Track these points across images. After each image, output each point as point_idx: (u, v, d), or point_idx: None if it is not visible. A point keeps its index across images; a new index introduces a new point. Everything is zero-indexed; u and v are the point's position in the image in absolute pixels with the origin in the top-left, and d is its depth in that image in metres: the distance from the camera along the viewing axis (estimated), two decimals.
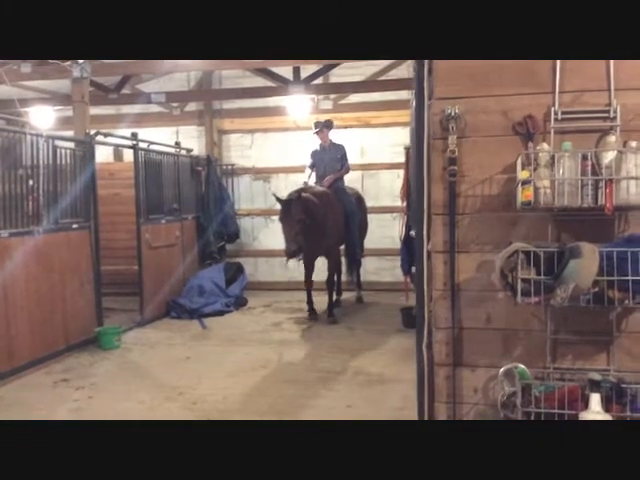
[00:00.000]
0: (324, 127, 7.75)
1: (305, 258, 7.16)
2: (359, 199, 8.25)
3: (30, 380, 5.19)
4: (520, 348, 2.31)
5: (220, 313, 7.82)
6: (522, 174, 2.11)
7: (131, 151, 7.49)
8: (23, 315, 5.38)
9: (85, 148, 6.40)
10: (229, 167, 9.95)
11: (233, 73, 9.61)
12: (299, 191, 6.89)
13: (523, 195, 2.09)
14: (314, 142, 9.10)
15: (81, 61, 6.35)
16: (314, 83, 8.62)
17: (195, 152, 9.54)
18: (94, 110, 9.59)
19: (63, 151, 6.10)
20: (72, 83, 6.71)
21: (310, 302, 7.41)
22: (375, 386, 4.86)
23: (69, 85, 8.08)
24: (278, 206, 6.99)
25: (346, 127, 9.32)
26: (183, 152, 8.97)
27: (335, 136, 9.15)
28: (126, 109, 10.22)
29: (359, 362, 5.52)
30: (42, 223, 5.70)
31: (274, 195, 7.10)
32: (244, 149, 10.18)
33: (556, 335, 2.27)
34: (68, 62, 6.40)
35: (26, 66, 6.55)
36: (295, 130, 9.67)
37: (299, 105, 8.62)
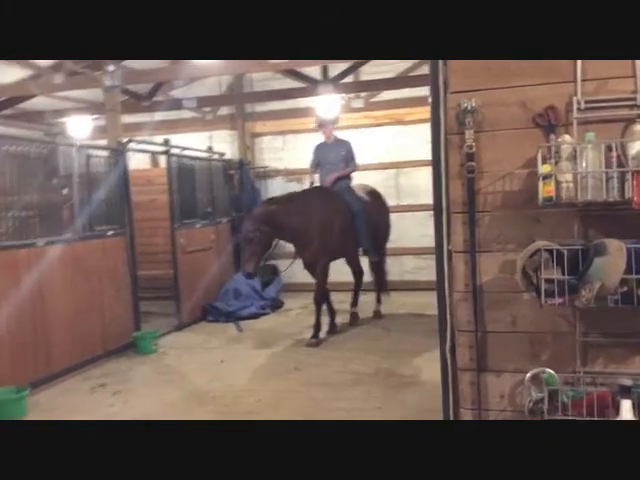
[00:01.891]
0: (329, 122, 7.28)
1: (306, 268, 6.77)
2: (375, 198, 7.39)
3: (68, 385, 5.29)
4: (548, 352, 2.19)
5: (256, 316, 7.84)
6: (543, 168, 2.01)
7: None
8: (61, 322, 5.48)
9: (117, 156, 6.49)
10: (262, 169, 9.97)
11: (263, 76, 9.63)
12: (267, 201, 6.59)
13: (544, 190, 1.98)
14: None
15: (111, 69, 6.44)
16: (344, 82, 8.56)
17: (228, 156, 9.60)
18: (130, 118, 9.79)
19: (96, 159, 6.21)
20: (104, 92, 6.82)
21: (318, 320, 6.38)
22: (408, 388, 4.77)
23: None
24: None
25: (378, 125, 9.24)
26: (215, 156, 9.02)
27: (369, 134, 9.12)
28: (161, 116, 10.38)
29: (392, 364, 5.42)
30: (77, 231, 5.81)
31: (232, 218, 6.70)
32: (276, 151, 10.20)
33: (586, 338, 2.15)
34: (99, 72, 6.50)
35: (59, 77, 6.68)
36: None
37: (328, 105, 8.56)
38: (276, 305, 8.32)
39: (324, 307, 6.59)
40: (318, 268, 6.47)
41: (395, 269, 8.53)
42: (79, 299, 5.73)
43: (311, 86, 8.63)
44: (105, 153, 6.47)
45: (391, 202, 8.07)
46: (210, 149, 9.02)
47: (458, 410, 2.30)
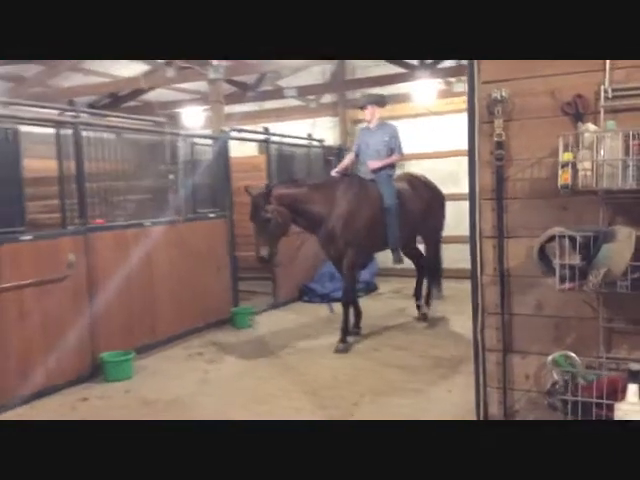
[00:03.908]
0: (370, 102, 6.26)
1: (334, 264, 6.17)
2: (422, 188, 6.60)
3: (170, 353, 5.87)
4: (572, 336, 2.24)
5: None
6: (564, 156, 2.05)
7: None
8: (165, 295, 6.07)
9: (220, 144, 6.98)
10: None
11: (365, 63, 9.78)
12: (279, 184, 5.86)
13: (562, 178, 2.03)
14: (447, 127, 9.02)
15: (215, 63, 6.92)
16: (443, 66, 8.51)
17: (330, 142, 9.90)
18: (239, 108, 10.39)
19: (200, 148, 6.73)
20: (208, 84, 7.33)
21: (347, 323, 5.85)
22: None
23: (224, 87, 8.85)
24: None
25: None
26: (315, 143, 9.33)
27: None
28: (268, 105, 10.90)
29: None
30: (182, 213, 6.36)
31: (245, 188, 5.86)
32: None
33: (610, 324, 2.17)
34: (204, 65, 7.01)
35: (170, 71, 7.28)
36: (427, 116, 9.62)
37: (427, 90, 8.56)
38: (370, 289, 8.53)
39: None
40: (344, 263, 5.89)
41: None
42: (182, 275, 6.29)
43: (410, 72, 8.66)
44: (208, 141, 6.98)
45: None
46: (310, 136, 9.34)
47: (486, 388, 2.40)
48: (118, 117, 6.74)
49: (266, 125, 8.82)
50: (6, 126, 4.48)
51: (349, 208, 5.77)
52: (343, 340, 5.76)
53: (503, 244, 2.29)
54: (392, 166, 6.29)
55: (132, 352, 5.25)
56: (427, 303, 6.77)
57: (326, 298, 7.98)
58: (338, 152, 9.46)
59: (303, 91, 9.61)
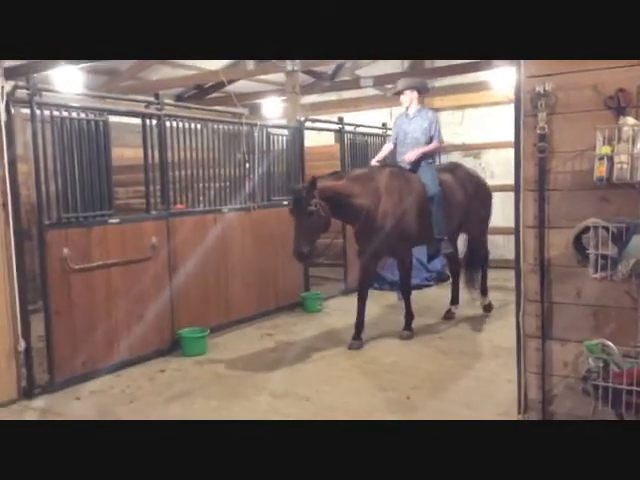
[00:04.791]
0: (408, 87, 5.96)
1: (360, 259, 5.91)
2: (463, 178, 6.32)
3: (243, 332, 6.21)
4: (611, 325, 2.28)
5: (419, 287, 8.13)
6: (602, 149, 2.10)
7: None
8: (240, 278, 6.41)
9: (294, 133, 7.23)
10: None
11: None
12: (323, 176, 5.48)
13: (598, 170, 2.08)
14: None
15: None
16: None
17: None
18: (318, 98, 10.63)
19: (276, 137, 7.01)
20: (286, 76, 7.58)
21: (360, 321, 5.71)
22: None
23: (302, 77, 9.12)
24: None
25: None
26: (389, 132, 9.40)
27: None
28: (346, 95, 11.06)
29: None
30: (256, 200, 6.67)
31: (290, 187, 5.80)
32: (454, 126, 10.25)
33: None
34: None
35: (250, 64, 7.60)
36: (507, 104, 9.44)
37: (507, 78, 8.42)
38: (441, 278, 8.54)
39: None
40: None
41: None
42: (256, 260, 6.61)
43: (489, 60, 8.54)
44: (284, 131, 7.24)
45: None
46: (384, 125, 9.42)
47: (525, 373, 2.49)
48: (198, 109, 7.12)
49: (343, 115, 8.99)
50: (96, 118, 4.90)
51: (396, 202, 5.57)
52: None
53: (544, 234, 2.36)
54: (431, 156, 6.05)
55: (207, 329, 5.62)
56: (484, 293, 6.63)
57: (396, 286, 8.07)
58: None
59: (381, 80, 9.68)
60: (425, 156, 5.95)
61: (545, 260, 2.37)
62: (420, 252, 8.60)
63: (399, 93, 6.02)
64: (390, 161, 6.37)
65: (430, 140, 5.96)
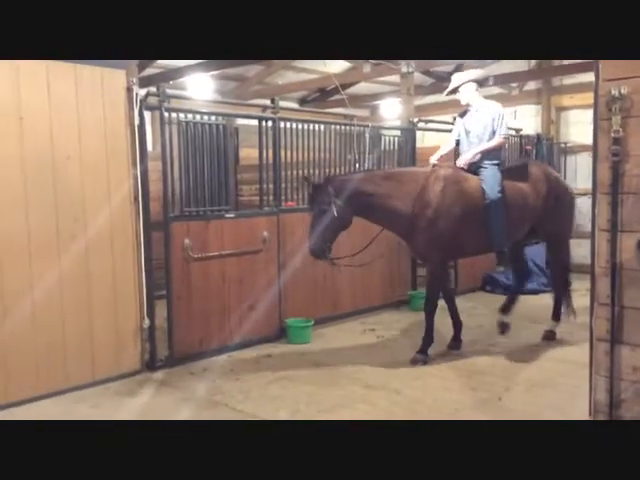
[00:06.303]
0: (462, 84, 5.36)
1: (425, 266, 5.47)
2: (542, 181, 5.53)
3: (347, 325, 6.47)
4: None
5: (535, 292, 7.90)
6: None
7: None
8: (347, 274, 6.64)
9: (406, 134, 7.35)
10: (564, 145, 9.73)
11: None
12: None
13: None
14: None
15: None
16: None
17: (531, 131, 9.66)
18: (435, 98, 10.63)
19: (387, 138, 7.18)
20: (401, 78, 7.72)
21: (429, 334, 5.22)
22: None
23: (420, 78, 9.22)
24: None
25: None
26: (512, 132, 9.19)
27: None
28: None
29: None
30: None
31: (304, 177, 5.49)
32: (585, 125, 9.77)
33: None
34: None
35: (366, 67, 7.83)
36: None
37: None
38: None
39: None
40: (427, 267, 5.33)
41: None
42: (363, 256, 6.80)
43: None
44: (396, 132, 7.39)
45: None
46: None
47: (594, 376, 2.48)
48: (312, 112, 7.46)
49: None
50: (217, 121, 5.38)
51: (432, 206, 5.00)
52: (422, 351, 5.17)
53: (616, 237, 2.34)
54: (496, 152, 5.41)
55: (312, 320, 5.93)
56: (556, 319, 5.84)
57: (509, 290, 7.90)
58: (536, 141, 9.21)
59: (504, 79, 9.52)
60: (488, 155, 5.32)
61: (617, 264, 2.35)
62: (538, 257, 8.37)
63: (454, 92, 5.46)
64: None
65: (492, 136, 5.34)
